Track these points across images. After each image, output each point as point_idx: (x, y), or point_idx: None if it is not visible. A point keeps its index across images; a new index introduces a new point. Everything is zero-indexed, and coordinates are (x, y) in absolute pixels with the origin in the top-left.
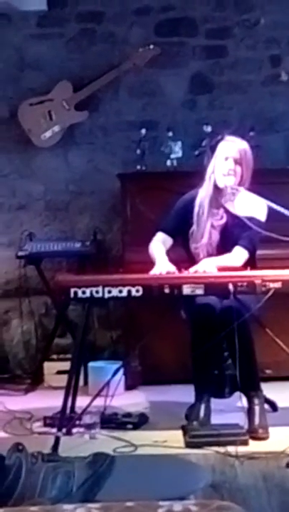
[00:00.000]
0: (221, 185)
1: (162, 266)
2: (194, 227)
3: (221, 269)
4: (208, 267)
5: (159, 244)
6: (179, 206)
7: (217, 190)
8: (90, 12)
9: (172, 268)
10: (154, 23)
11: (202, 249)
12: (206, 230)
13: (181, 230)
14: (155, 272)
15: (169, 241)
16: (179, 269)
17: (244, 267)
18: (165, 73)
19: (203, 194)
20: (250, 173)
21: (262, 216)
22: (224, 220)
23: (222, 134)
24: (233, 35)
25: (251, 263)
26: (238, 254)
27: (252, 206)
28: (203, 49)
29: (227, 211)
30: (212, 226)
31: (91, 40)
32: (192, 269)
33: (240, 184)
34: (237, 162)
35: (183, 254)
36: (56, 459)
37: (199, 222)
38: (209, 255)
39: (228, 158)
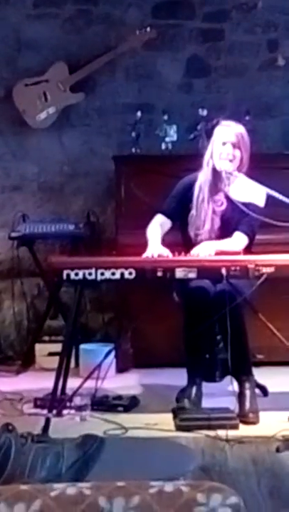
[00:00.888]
0: (219, 169)
1: (154, 248)
2: (193, 211)
3: (219, 253)
4: (206, 250)
5: (157, 227)
6: (178, 189)
7: (216, 175)
8: None
9: (165, 251)
10: (151, 5)
11: (204, 236)
12: (208, 216)
13: (180, 214)
14: (147, 254)
15: (168, 224)
16: (173, 253)
17: (243, 252)
18: (162, 56)
19: (202, 179)
20: (248, 157)
21: (260, 202)
22: (224, 205)
23: (217, 118)
24: (230, 18)
25: (248, 248)
26: (238, 240)
27: (250, 192)
28: (200, 32)
29: (227, 196)
30: (213, 212)
31: (87, 22)
32: (193, 252)
33: (239, 168)
34: (235, 146)
35: (178, 238)
36: (46, 440)
37: (199, 207)
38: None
39: (225, 143)
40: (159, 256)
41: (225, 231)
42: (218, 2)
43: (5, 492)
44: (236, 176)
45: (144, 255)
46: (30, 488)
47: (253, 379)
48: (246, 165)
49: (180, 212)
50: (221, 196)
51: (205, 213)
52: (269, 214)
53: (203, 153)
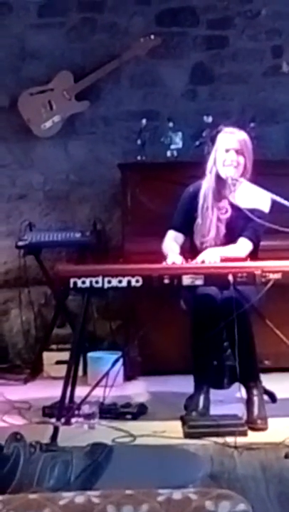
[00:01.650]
0: (224, 176)
1: (170, 257)
2: (199, 220)
3: (224, 259)
4: (211, 256)
5: (171, 241)
6: (184, 200)
7: (220, 183)
8: (91, 1)
9: (178, 259)
10: (155, 13)
11: (210, 243)
12: (213, 224)
13: (190, 225)
14: (168, 262)
15: (181, 238)
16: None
17: (248, 258)
18: (166, 63)
19: (206, 186)
20: (251, 163)
21: (265, 207)
22: (229, 212)
23: (221, 125)
24: (234, 25)
25: (254, 254)
26: (242, 246)
27: (255, 197)
28: (204, 39)
29: (231, 203)
30: (218, 219)
31: (92, 30)
32: (198, 259)
33: (243, 174)
34: (239, 153)
35: (186, 245)
36: (54, 449)
37: (204, 215)
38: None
39: (229, 150)
40: (172, 263)
41: (230, 238)
42: (222, 9)
43: (14, 501)
44: (241, 182)
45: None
46: (39, 497)
47: (261, 385)
48: (250, 171)
49: (189, 223)
50: (225, 203)
51: (210, 221)
52: (275, 220)
53: (208, 160)
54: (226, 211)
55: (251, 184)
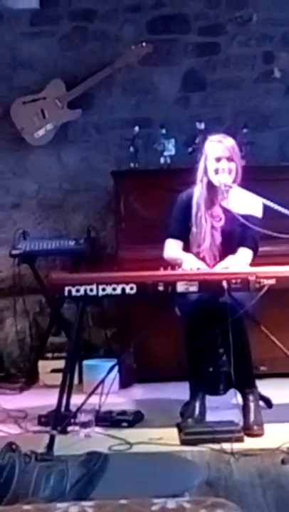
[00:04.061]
0: (217, 183)
1: (192, 262)
2: (194, 229)
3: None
4: (236, 264)
5: (174, 247)
6: (178, 209)
7: (212, 191)
8: (82, 10)
9: (202, 265)
10: (146, 20)
11: (207, 252)
12: (207, 232)
13: (186, 233)
14: (186, 267)
15: (180, 245)
16: (173, 268)
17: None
18: (158, 70)
19: (197, 195)
20: (241, 166)
21: (258, 213)
22: (223, 220)
23: (215, 132)
24: (225, 32)
25: (252, 260)
26: (246, 256)
27: (247, 203)
28: (195, 46)
29: (225, 211)
30: (213, 227)
31: (83, 38)
32: (221, 265)
33: (235, 179)
34: (230, 160)
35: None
36: (49, 458)
37: (199, 224)
38: (214, 257)
39: (220, 158)
40: (198, 269)
41: (227, 246)
42: (213, 16)
43: None
44: (232, 187)
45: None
46: (33, 509)
47: (257, 391)
48: (240, 175)
49: (185, 231)
50: (218, 211)
51: (204, 230)
52: (270, 226)
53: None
54: (220, 219)
55: (242, 189)
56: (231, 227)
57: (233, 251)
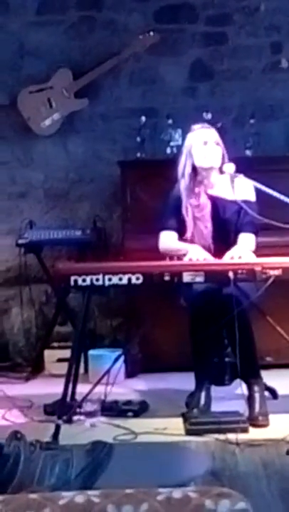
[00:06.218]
0: (208, 166)
1: (197, 252)
2: (186, 223)
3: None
4: (241, 253)
5: (171, 238)
6: (170, 203)
7: (195, 180)
8: None
9: (208, 255)
10: (154, 9)
11: (200, 243)
12: (189, 222)
13: (179, 224)
14: (191, 257)
15: (176, 236)
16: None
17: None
18: (165, 60)
19: (182, 189)
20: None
21: (252, 197)
22: (208, 208)
23: (221, 121)
24: (233, 21)
25: None
26: (250, 241)
27: (240, 188)
28: (203, 36)
29: (211, 198)
30: (196, 218)
31: (91, 28)
32: (229, 254)
33: (222, 164)
34: (217, 143)
35: None
36: (55, 447)
37: (188, 217)
38: (205, 248)
39: (207, 142)
40: (204, 260)
41: (220, 235)
42: (221, 5)
43: (13, 501)
44: (237, 176)
45: (186, 258)
46: (38, 497)
47: (262, 382)
48: (226, 161)
49: (179, 223)
50: (203, 200)
51: (192, 222)
52: (275, 216)
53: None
54: (202, 208)
55: (234, 174)
56: (225, 216)
57: (228, 239)
